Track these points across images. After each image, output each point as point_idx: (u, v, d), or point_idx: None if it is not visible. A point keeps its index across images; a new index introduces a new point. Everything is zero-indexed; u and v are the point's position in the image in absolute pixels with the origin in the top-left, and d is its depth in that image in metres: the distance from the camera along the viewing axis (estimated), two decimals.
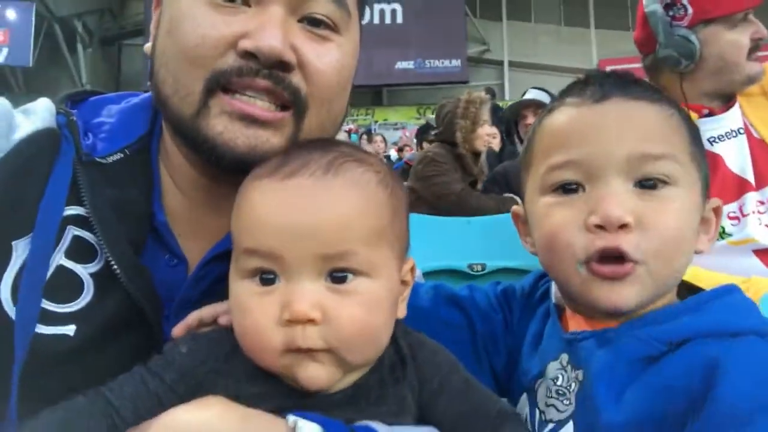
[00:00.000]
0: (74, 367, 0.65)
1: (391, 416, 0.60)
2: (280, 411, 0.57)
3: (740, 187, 1.49)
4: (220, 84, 0.66)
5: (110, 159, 0.73)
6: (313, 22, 0.71)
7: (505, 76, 20.38)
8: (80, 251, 0.68)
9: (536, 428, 0.68)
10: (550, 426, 0.66)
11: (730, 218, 1.47)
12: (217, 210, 0.77)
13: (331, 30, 0.72)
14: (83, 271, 0.68)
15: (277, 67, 0.67)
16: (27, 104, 0.73)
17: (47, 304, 0.65)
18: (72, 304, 0.66)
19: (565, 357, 0.67)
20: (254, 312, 0.58)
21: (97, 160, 0.72)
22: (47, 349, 0.63)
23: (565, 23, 21.82)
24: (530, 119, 3.09)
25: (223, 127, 0.67)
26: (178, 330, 0.67)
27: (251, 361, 0.60)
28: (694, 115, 1.55)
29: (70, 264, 0.67)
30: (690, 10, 1.51)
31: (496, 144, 3.61)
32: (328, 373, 0.58)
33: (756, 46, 1.52)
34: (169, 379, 0.60)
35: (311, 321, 0.56)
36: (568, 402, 0.64)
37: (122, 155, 0.74)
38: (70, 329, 0.65)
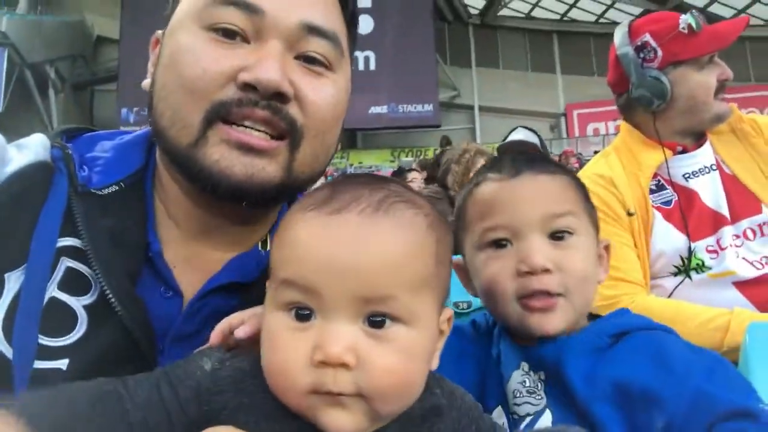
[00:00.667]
0: None
1: None
2: None
3: (716, 221, 1.53)
4: (219, 115, 0.68)
5: (105, 191, 0.73)
6: (308, 60, 0.73)
7: (476, 120, 20.84)
8: (74, 283, 0.67)
9: (512, 426, 0.79)
10: (528, 419, 0.78)
11: (709, 251, 1.50)
12: (212, 242, 0.77)
13: (325, 68, 0.74)
14: (77, 303, 0.66)
15: (275, 98, 0.68)
16: (20, 140, 0.73)
17: (41, 338, 0.63)
18: (65, 337, 0.65)
19: (525, 365, 0.81)
20: (285, 348, 0.55)
21: (93, 191, 0.72)
22: (40, 384, 0.61)
23: (532, 69, 22.56)
24: None
25: (220, 155, 0.67)
26: (215, 337, 0.64)
27: (276, 398, 0.57)
28: (669, 153, 1.60)
29: (63, 296, 0.66)
30: (660, 53, 1.57)
31: None
32: (354, 422, 0.54)
33: (722, 86, 1.59)
34: (182, 396, 0.57)
35: (344, 365, 0.52)
36: (539, 397, 0.78)
37: (117, 187, 0.74)
38: (62, 363, 0.63)
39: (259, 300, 0.72)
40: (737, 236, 1.51)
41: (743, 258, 1.48)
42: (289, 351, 0.54)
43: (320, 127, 0.74)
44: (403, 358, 0.55)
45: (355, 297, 0.54)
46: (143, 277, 0.71)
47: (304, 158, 0.73)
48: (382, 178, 0.65)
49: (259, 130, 0.69)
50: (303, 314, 0.55)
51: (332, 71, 0.75)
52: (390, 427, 0.58)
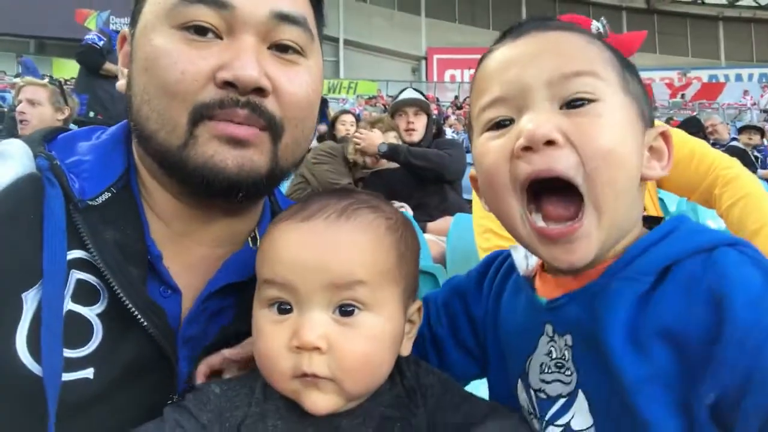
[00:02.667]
0: (100, 410, 0.65)
1: None
2: None
3: None
4: (204, 116, 0.69)
5: (99, 200, 0.72)
6: (281, 49, 0.74)
7: (341, 53, 20.64)
8: (85, 294, 0.67)
9: (538, 410, 0.65)
10: (560, 402, 0.62)
11: None
12: (201, 238, 0.79)
13: (298, 54, 0.75)
14: (90, 313, 0.67)
15: (253, 93, 0.70)
16: None
17: (64, 351, 0.63)
18: (85, 347, 0.65)
19: (549, 327, 0.63)
20: (269, 337, 0.64)
21: (89, 203, 0.70)
22: (70, 395, 0.62)
23: (399, 8, 22.65)
24: (411, 117, 3.30)
25: (213, 150, 0.69)
26: (201, 374, 0.70)
27: (283, 397, 0.65)
28: None
29: (77, 308, 0.66)
30: None
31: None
32: (329, 401, 0.62)
33: None
34: (206, 419, 0.63)
35: (317, 349, 0.61)
36: (570, 372, 0.61)
37: (109, 194, 0.73)
38: (89, 372, 0.65)
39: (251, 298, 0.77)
40: None
41: None
42: (273, 340, 0.63)
43: (299, 117, 0.76)
44: (369, 342, 0.63)
45: (325, 287, 0.62)
46: (147, 281, 0.72)
47: (286, 148, 0.75)
48: (352, 190, 0.74)
49: (243, 125, 0.71)
50: (284, 308, 0.64)
51: (305, 57, 0.76)
52: (381, 405, 0.67)
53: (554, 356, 0.63)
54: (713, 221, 3.82)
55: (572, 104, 0.59)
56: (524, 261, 0.72)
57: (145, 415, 0.66)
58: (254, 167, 0.71)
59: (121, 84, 0.77)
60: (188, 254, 0.77)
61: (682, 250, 0.56)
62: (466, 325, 0.80)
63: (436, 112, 12.27)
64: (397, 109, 3.32)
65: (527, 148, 0.57)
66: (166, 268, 0.74)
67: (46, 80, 4.08)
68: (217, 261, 0.78)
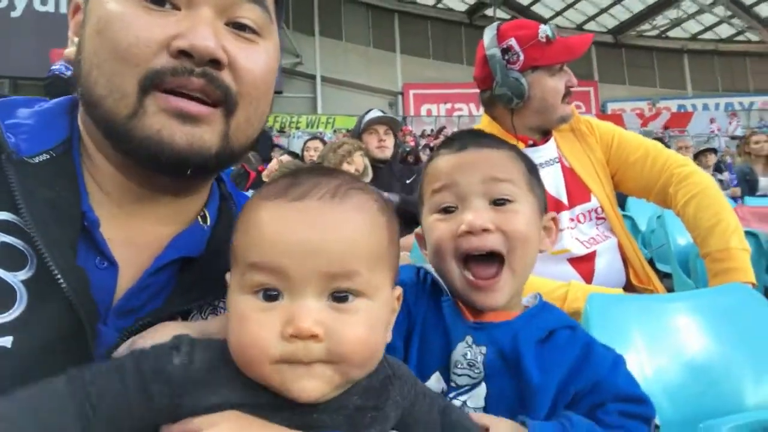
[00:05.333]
0: (15, 382, 0.62)
1: None
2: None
3: (556, 206, 1.79)
4: (154, 83, 0.67)
5: (37, 159, 0.69)
6: (239, 26, 0.74)
7: (318, 89, 20.86)
8: (9, 259, 0.64)
9: (450, 395, 0.83)
10: (465, 388, 0.83)
11: None
12: (146, 215, 0.76)
13: (256, 34, 0.75)
14: (14, 278, 0.63)
15: (209, 65, 0.69)
16: None
17: None
18: (5, 314, 0.62)
19: (469, 338, 0.84)
20: (256, 325, 0.59)
21: (25, 159, 0.68)
22: None
23: (374, 45, 23.05)
24: (382, 135, 3.36)
25: (160, 125, 0.67)
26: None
27: (253, 384, 0.60)
28: (521, 145, 1.83)
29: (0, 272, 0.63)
30: (522, 57, 1.78)
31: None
32: (320, 387, 0.59)
33: (568, 92, 1.84)
34: (157, 390, 0.58)
35: (314, 337, 0.57)
36: (478, 371, 0.82)
37: (48, 156, 0.71)
38: (6, 341, 0.61)
39: (202, 274, 0.76)
40: (572, 219, 1.80)
41: (576, 238, 1.78)
42: (262, 328, 0.58)
43: (253, 94, 0.75)
44: (367, 327, 0.61)
45: (320, 274, 0.59)
46: (80, 248, 0.69)
47: (238, 125, 0.74)
48: (335, 170, 0.71)
49: (194, 98, 0.70)
50: (271, 295, 0.60)
51: (262, 38, 0.76)
52: (353, 394, 0.63)
53: (468, 357, 0.84)
54: (683, 238, 3.88)
55: (498, 202, 0.86)
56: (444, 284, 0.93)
57: None
58: (204, 145, 0.70)
59: (69, 51, 0.75)
60: (130, 229, 0.75)
61: (558, 323, 0.87)
62: (404, 319, 0.89)
63: (412, 143, 12.42)
64: (368, 127, 3.36)
65: (468, 232, 0.84)
66: (104, 238, 0.71)
67: None
68: (161, 239, 0.76)
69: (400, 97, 22.66)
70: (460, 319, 0.86)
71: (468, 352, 0.83)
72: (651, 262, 1.88)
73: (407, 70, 23.17)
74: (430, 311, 0.88)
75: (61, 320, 0.65)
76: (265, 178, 3.41)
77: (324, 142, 4.72)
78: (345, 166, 3.00)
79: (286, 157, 4.48)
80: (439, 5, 24.27)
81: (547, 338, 0.84)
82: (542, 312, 0.88)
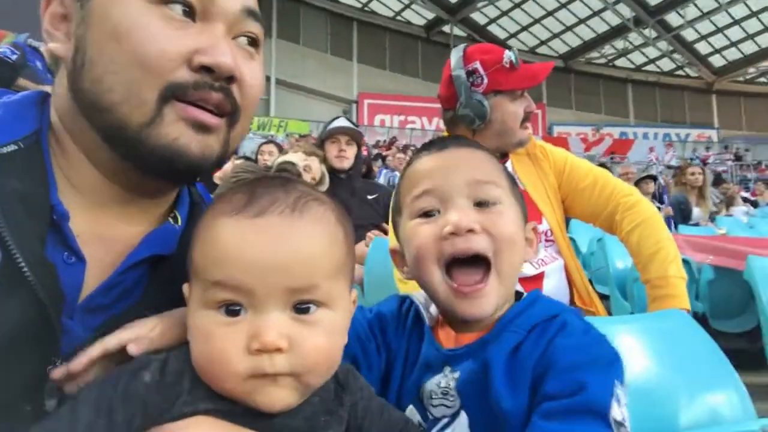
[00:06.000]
0: None
1: None
2: None
3: None
4: (175, 95, 0.69)
5: (4, 150, 0.68)
6: (250, 42, 0.78)
7: (272, 92, 20.66)
8: None
9: (430, 427, 0.78)
10: (444, 420, 0.77)
11: None
12: (117, 214, 0.76)
13: (256, 48, 0.79)
14: None
15: (226, 81, 0.72)
16: None
17: None
18: None
19: (447, 368, 0.80)
20: (220, 340, 0.60)
21: None
22: None
23: (332, 52, 23.05)
24: (343, 145, 3.30)
25: (178, 133, 0.69)
26: (80, 363, 0.64)
27: (214, 394, 0.61)
28: None
29: None
30: (486, 81, 1.83)
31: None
32: (287, 396, 0.61)
33: (527, 117, 1.90)
34: (121, 418, 0.58)
35: (279, 350, 0.59)
36: (452, 398, 0.77)
37: (16, 147, 0.69)
38: None
39: (174, 273, 0.75)
40: None
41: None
42: (225, 343, 0.60)
43: (251, 107, 0.79)
44: (327, 336, 0.63)
45: (283, 290, 0.61)
46: (47, 242, 0.68)
47: (236, 135, 0.78)
48: (290, 179, 0.72)
49: (208, 110, 0.72)
50: (233, 310, 0.61)
51: (258, 52, 0.79)
52: (313, 399, 0.66)
53: (441, 386, 0.79)
54: (621, 262, 4.05)
55: (482, 204, 0.81)
56: (427, 313, 0.89)
57: (26, 384, 0.63)
58: (212, 153, 0.73)
59: (56, 47, 0.73)
60: (99, 225, 0.74)
61: (541, 316, 0.78)
62: (382, 351, 0.88)
63: (365, 153, 12.41)
64: (330, 135, 3.31)
65: (453, 234, 0.78)
66: (72, 233, 0.70)
67: None
68: (131, 237, 0.76)
69: (354, 105, 22.72)
70: (438, 349, 0.82)
71: (442, 381, 0.79)
72: (590, 283, 1.97)
73: (363, 80, 23.28)
74: (412, 345, 0.86)
75: (27, 314, 0.63)
76: (217, 181, 3.33)
77: (279, 146, 4.68)
78: (303, 173, 2.99)
79: (240, 161, 4.43)
80: (398, 18, 24.55)
81: (521, 343, 0.76)
82: (528, 309, 0.80)
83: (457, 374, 0.78)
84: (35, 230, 0.66)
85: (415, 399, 0.81)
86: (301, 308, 0.62)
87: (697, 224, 5.82)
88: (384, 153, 12.65)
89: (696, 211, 6.01)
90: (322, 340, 0.62)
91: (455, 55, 1.91)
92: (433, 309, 0.89)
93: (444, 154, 0.87)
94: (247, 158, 4.60)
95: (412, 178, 0.87)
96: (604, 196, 1.90)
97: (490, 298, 0.78)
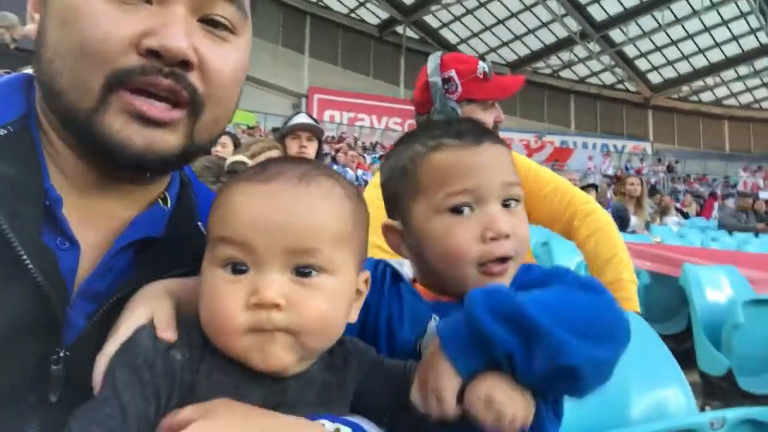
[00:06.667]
0: None
1: (344, 409, 0.69)
2: (263, 406, 0.62)
3: None
4: (121, 82, 0.65)
5: None
6: (212, 23, 0.71)
7: None
8: None
9: None
10: None
11: None
12: (106, 198, 0.74)
13: (229, 32, 0.73)
14: None
15: (179, 66, 0.67)
16: None
17: None
18: None
19: (436, 317, 0.84)
20: (224, 295, 0.62)
21: None
22: None
23: (283, 44, 22.75)
24: (304, 141, 3.27)
25: (120, 125, 0.66)
26: (101, 369, 0.62)
27: (225, 356, 0.63)
28: None
29: None
30: (460, 89, 1.90)
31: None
32: (284, 355, 0.62)
33: (496, 126, 1.97)
34: (166, 393, 0.60)
35: (276, 306, 0.61)
36: None
37: (5, 131, 0.68)
38: None
39: (165, 255, 0.75)
40: None
41: None
42: (228, 298, 0.62)
43: (221, 95, 0.73)
44: (327, 300, 0.65)
45: (284, 250, 0.63)
46: (42, 228, 0.67)
47: (204, 125, 0.73)
48: (306, 159, 0.75)
49: (160, 99, 0.68)
50: (239, 269, 0.64)
51: (235, 35, 0.74)
52: (323, 371, 0.68)
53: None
54: (566, 264, 4.22)
55: (508, 203, 0.84)
56: (408, 272, 0.94)
57: (29, 374, 0.62)
58: (165, 147, 0.69)
59: (31, 29, 0.72)
60: (89, 210, 0.73)
61: (531, 280, 0.82)
62: (361, 313, 0.88)
63: None
64: (291, 131, 3.29)
65: (493, 239, 0.81)
66: (66, 218, 0.69)
67: None
68: (121, 220, 0.75)
69: (304, 99, 22.54)
70: (421, 301, 0.87)
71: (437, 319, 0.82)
72: None
73: (314, 74, 23.11)
74: (393, 303, 0.90)
75: (28, 303, 0.62)
76: None
77: (234, 137, 4.61)
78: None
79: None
80: (352, 15, 24.50)
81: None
82: (518, 276, 0.85)
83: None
84: (31, 216, 0.65)
85: (412, 352, 0.84)
86: (302, 272, 0.64)
87: (633, 232, 6.12)
88: (335, 148, 12.62)
89: (633, 220, 6.32)
90: (321, 303, 0.64)
91: (432, 62, 1.96)
92: (407, 270, 0.93)
93: (481, 151, 0.86)
94: None
95: (443, 169, 0.85)
96: (564, 203, 2.00)
97: (509, 276, 0.83)
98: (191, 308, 0.68)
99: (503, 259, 0.82)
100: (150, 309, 0.66)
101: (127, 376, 0.59)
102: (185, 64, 0.67)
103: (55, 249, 0.66)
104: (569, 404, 1.23)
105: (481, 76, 1.88)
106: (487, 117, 1.92)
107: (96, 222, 0.73)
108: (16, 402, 0.61)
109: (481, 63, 1.90)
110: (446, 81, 1.91)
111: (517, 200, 0.85)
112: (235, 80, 0.75)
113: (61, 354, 0.63)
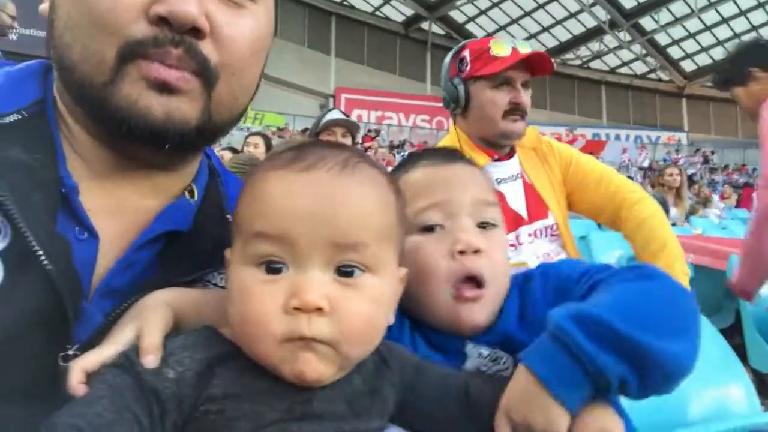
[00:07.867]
0: None
1: (379, 419, 0.62)
2: (285, 420, 0.55)
3: (516, 221, 1.85)
4: (137, 54, 0.62)
5: (8, 119, 0.64)
6: None
7: None
8: None
9: None
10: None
11: (509, 246, 1.83)
12: (128, 186, 0.71)
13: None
14: None
15: (189, 33, 0.64)
16: None
17: None
18: None
19: (469, 344, 0.79)
20: (258, 298, 0.56)
21: None
22: None
23: (309, 45, 22.89)
24: (339, 137, 3.21)
25: (137, 95, 0.63)
26: (77, 378, 0.55)
27: (249, 363, 0.57)
28: (487, 158, 1.88)
29: None
30: (468, 67, 1.87)
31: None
32: (322, 368, 0.56)
33: (514, 109, 1.82)
34: (158, 411, 0.54)
35: (319, 310, 0.55)
36: (503, 359, 0.77)
37: (20, 116, 0.65)
38: None
39: (190, 250, 0.72)
40: (530, 234, 1.87)
41: (533, 252, 1.85)
42: (263, 301, 0.56)
43: (237, 65, 0.69)
44: (372, 304, 0.58)
45: (328, 245, 0.56)
46: (58, 217, 0.64)
47: (221, 99, 0.69)
48: (343, 145, 0.68)
49: (175, 69, 0.64)
50: (275, 267, 0.57)
51: (254, 2, 0.70)
52: (354, 378, 0.61)
53: (485, 354, 0.79)
54: (606, 259, 4.11)
55: (483, 224, 0.81)
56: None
57: (39, 370, 0.59)
58: (183, 117, 0.66)
59: (43, 7, 0.69)
60: (110, 199, 0.70)
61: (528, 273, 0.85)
62: None
63: None
64: (326, 127, 3.24)
65: (462, 252, 0.78)
66: (83, 206, 0.65)
67: None
68: (144, 212, 0.71)
69: (332, 99, 22.62)
70: (443, 336, 0.80)
71: (482, 351, 0.77)
72: None
73: (341, 74, 23.19)
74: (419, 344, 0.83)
75: (39, 295, 0.59)
76: None
77: (266, 138, 4.60)
78: None
79: (227, 154, 4.32)
80: (377, 13, 24.50)
81: (520, 288, 0.83)
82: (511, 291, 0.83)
83: (484, 347, 0.78)
84: (45, 204, 0.62)
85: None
86: (344, 271, 0.58)
87: (674, 224, 5.95)
88: (364, 146, 12.64)
89: (673, 211, 6.13)
90: (365, 307, 0.58)
91: (455, 48, 1.97)
92: None
93: (453, 168, 0.86)
94: (233, 150, 4.52)
95: (414, 186, 0.83)
96: (610, 192, 1.92)
97: (488, 306, 0.78)
98: (195, 319, 0.64)
99: (477, 283, 0.77)
100: (138, 328, 0.60)
101: (112, 393, 0.53)
102: (196, 32, 0.64)
103: (72, 239, 0.64)
104: (626, 406, 1.16)
105: (493, 54, 1.81)
106: (495, 95, 1.84)
107: (118, 213, 0.70)
108: (27, 397, 0.58)
109: (492, 40, 1.84)
110: (461, 61, 1.90)
111: (494, 225, 0.82)
112: (252, 51, 0.70)
113: (70, 351, 0.60)
